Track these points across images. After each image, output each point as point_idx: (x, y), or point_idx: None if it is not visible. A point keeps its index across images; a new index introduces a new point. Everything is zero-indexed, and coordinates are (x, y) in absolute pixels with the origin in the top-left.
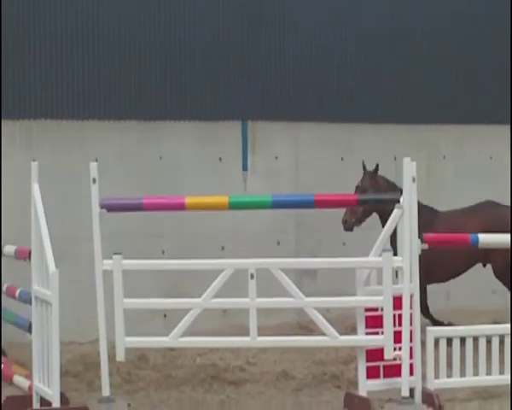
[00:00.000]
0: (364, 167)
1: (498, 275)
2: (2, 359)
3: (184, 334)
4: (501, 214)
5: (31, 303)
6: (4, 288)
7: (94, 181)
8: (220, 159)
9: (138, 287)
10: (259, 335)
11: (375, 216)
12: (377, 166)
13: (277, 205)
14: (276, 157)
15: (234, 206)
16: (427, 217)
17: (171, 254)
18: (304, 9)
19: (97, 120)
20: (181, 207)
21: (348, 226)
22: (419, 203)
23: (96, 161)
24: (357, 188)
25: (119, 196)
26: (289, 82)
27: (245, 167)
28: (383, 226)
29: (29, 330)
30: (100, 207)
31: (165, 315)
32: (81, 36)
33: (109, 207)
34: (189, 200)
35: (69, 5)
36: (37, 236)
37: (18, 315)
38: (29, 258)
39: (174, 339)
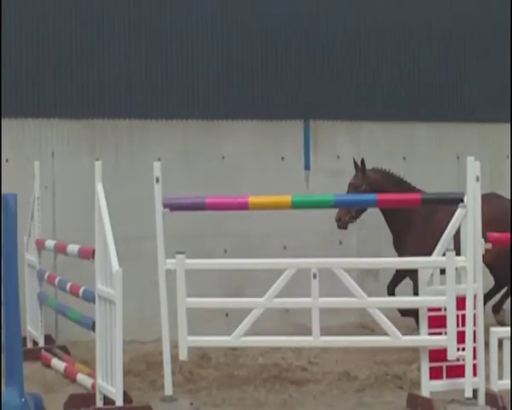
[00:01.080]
0: (356, 164)
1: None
2: (66, 357)
3: (246, 333)
4: (504, 206)
5: (94, 302)
6: (68, 287)
7: (157, 180)
8: (282, 158)
9: (200, 286)
10: (321, 335)
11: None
12: (362, 160)
13: (340, 204)
14: (338, 156)
15: (297, 205)
16: (429, 209)
17: (233, 253)
18: (369, 11)
19: (160, 120)
20: (244, 206)
21: (342, 224)
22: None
23: (159, 160)
24: (349, 185)
25: (183, 196)
26: (351, 81)
27: (307, 166)
28: (388, 224)
29: (93, 328)
30: (163, 207)
31: (226, 314)
32: (138, 35)
33: (172, 207)
34: (252, 199)
35: (130, 6)
36: (101, 235)
37: (82, 314)
38: (93, 257)
39: (236, 338)
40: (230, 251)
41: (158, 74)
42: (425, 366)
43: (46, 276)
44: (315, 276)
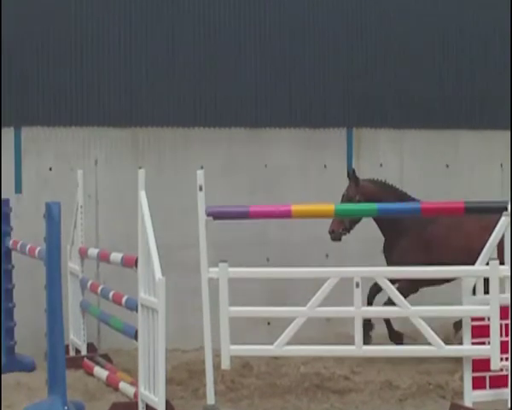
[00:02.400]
0: (349, 175)
1: None
2: (108, 365)
3: (289, 342)
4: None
5: (137, 311)
6: (111, 295)
7: (200, 189)
8: (325, 166)
9: (243, 294)
10: (364, 344)
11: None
12: (353, 170)
13: (384, 213)
14: (381, 164)
15: (340, 214)
16: (427, 221)
17: (275, 261)
18: (415, 19)
19: (203, 128)
20: (287, 215)
21: (335, 236)
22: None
23: (202, 168)
24: (342, 197)
25: (226, 205)
26: (395, 89)
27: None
28: (383, 234)
29: (135, 337)
30: (206, 215)
31: (268, 323)
32: (183, 43)
33: (216, 215)
34: (295, 208)
35: (187, 14)
36: (144, 243)
37: (124, 323)
38: (136, 266)
39: (279, 347)
40: (273, 259)
41: (201, 82)
42: (468, 375)
43: (89, 284)
44: (357, 285)
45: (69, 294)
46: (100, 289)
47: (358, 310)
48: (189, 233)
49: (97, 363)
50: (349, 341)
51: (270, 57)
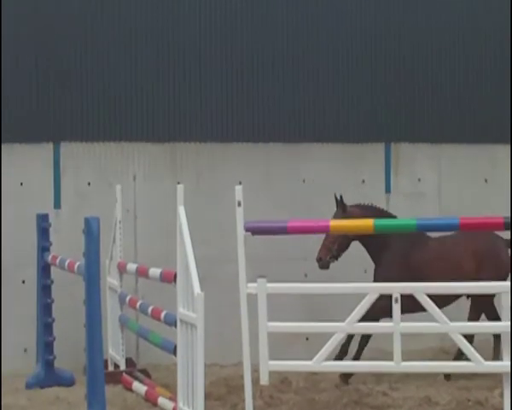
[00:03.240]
0: (336, 201)
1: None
2: (147, 381)
3: (328, 358)
4: (491, 238)
5: (176, 326)
6: (150, 310)
7: (239, 204)
8: (363, 181)
9: (281, 310)
10: (403, 359)
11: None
12: (341, 197)
13: (422, 228)
14: (419, 179)
15: (379, 229)
16: (417, 237)
17: (313, 277)
18: (449, 35)
19: (241, 143)
20: (326, 230)
21: (323, 264)
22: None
23: (240, 183)
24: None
25: (264, 220)
26: (432, 103)
27: (388, 189)
28: (370, 254)
29: (174, 352)
30: (245, 231)
31: (307, 338)
32: (219, 60)
33: (254, 231)
34: (333, 223)
35: (220, 32)
36: (183, 258)
37: (163, 338)
38: (174, 281)
39: (318, 363)
40: (311, 275)
41: (239, 98)
42: (507, 392)
43: (128, 299)
44: (397, 300)
45: (108, 309)
46: (139, 304)
47: (397, 326)
48: (227, 248)
49: (136, 378)
50: (387, 356)
51: (306, 73)
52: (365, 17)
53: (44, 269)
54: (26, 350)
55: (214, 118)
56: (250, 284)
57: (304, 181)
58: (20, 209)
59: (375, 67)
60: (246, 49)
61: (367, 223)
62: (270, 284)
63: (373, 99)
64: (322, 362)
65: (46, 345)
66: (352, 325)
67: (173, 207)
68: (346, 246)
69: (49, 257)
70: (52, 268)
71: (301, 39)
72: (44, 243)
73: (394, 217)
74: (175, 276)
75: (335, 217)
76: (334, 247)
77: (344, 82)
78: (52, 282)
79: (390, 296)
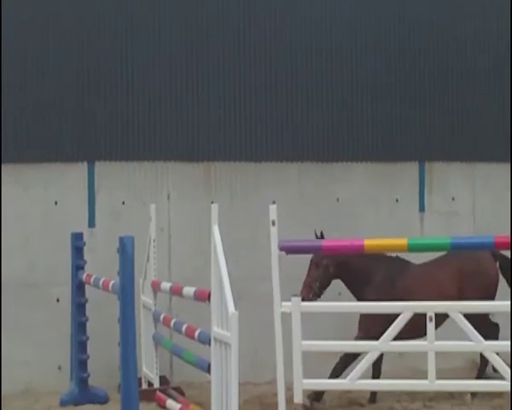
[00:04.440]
0: (316, 236)
1: None
2: (181, 399)
3: (362, 376)
4: (476, 257)
5: (210, 344)
6: (184, 329)
7: (273, 223)
8: (397, 200)
9: (315, 328)
10: (437, 378)
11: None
12: (321, 233)
13: (457, 247)
14: (453, 198)
15: (413, 248)
16: (398, 268)
17: (347, 295)
18: (484, 50)
19: (275, 162)
20: (360, 249)
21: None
22: (388, 256)
23: (274, 203)
24: (311, 261)
25: (299, 239)
26: (466, 122)
27: (422, 208)
28: (351, 291)
29: (208, 370)
30: (279, 250)
31: (341, 357)
32: (256, 79)
33: (288, 250)
34: (367, 242)
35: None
36: (217, 277)
37: (197, 356)
38: (209, 300)
39: (352, 381)
40: (345, 293)
41: (271, 117)
42: None
43: (162, 318)
44: (431, 319)
45: (142, 327)
46: (173, 322)
47: (431, 345)
48: (261, 267)
49: (170, 396)
50: (422, 375)
51: (340, 93)
52: (398, 36)
53: (79, 288)
54: (60, 368)
55: (248, 137)
56: (284, 303)
57: (338, 200)
58: (54, 228)
59: (409, 86)
60: (280, 70)
61: (401, 242)
62: (304, 303)
63: (407, 118)
64: (356, 380)
65: (80, 363)
66: (386, 343)
67: (207, 226)
68: (328, 284)
69: (84, 276)
70: (86, 287)
71: (334, 60)
72: (79, 261)
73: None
74: (209, 295)
75: (316, 254)
76: (315, 285)
77: (377, 101)
78: (86, 300)
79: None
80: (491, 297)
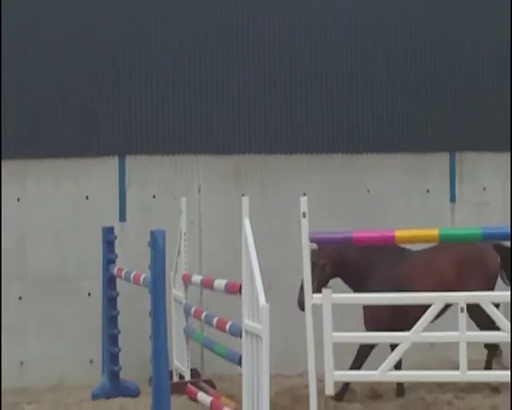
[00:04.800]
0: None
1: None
2: (212, 391)
3: (393, 368)
4: (478, 247)
5: (241, 337)
6: (215, 321)
7: (304, 215)
8: (428, 190)
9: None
10: (468, 369)
11: None
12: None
13: (488, 237)
14: (484, 188)
15: (444, 239)
16: (396, 257)
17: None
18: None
19: (305, 154)
20: (391, 240)
21: (304, 307)
22: (384, 246)
23: (305, 194)
24: None
25: (329, 231)
26: (497, 112)
27: (453, 199)
28: (351, 288)
29: (239, 363)
30: (310, 241)
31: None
32: (285, 70)
33: (319, 242)
34: (398, 233)
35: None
36: (248, 270)
37: (228, 348)
38: (240, 292)
39: (383, 373)
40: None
41: (303, 109)
42: None
43: (193, 311)
44: (462, 310)
45: (173, 320)
46: (204, 315)
47: (463, 335)
48: (292, 259)
49: (201, 389)
50: (453, 366)
51: (370, 83)
52: (426, 29)
53: (110, 281)
54: (91, 361)
55: (279, 129)
56: (315, 295)
57: (368, 191)
58: (85, 222)
59: (439, 77)
60: (307, 62)
61: (432, 233)
62: (334, 295)
63: (437, 108)
64: (387, 372)
65: (112, 356)
66: (418, 334)
67: (238, 218)
68: (325, 283)
69: (115, 269)
70: (117, 280)
71: (361, 51)
72: (110, 255)
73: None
74: (240, 287)
75: (312, 256)
76: (313, 286)
77: (407, 91)
78: (117, 294)
79: None
80: (491, 289)
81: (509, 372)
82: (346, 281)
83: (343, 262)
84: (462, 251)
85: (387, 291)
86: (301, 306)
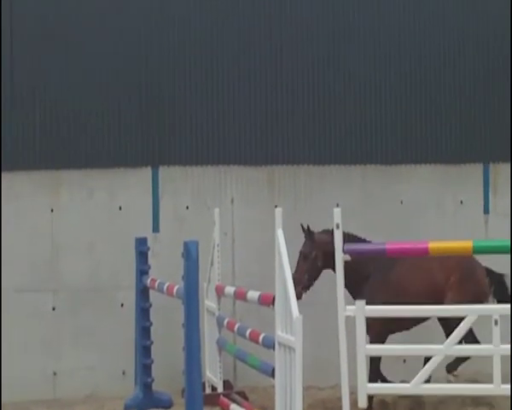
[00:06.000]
0: (303, 230)
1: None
2: (245, 403)
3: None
4: (472, 264)
5: (274, 348)
6: (248, 333)
7: (337, 226)
8: (461, 202)
9: None
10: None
11: None
12: (308, 227)
13: None
14: None
15: (478, 251)
16: (388, 262)
17: None
18: None
19: (338, 165)
20: (424, 252)
21: (296, 296)
22: None
23: (338, 205)
24: (300, 253)
25: (362, 242)
26: None
27: (486, 210)
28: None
29: (272, 375)
30: (343, 253)
31: (404, 360)
32: (319, 81)
33: (353, 253)
34: (432, 245)
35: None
36: (281, 281)
37: (261, 360)
38: (273, 304)
39: (416, 386)
40: None
41: (336, 120)
42: None
43: (225, 322)
44: (496, 322)
45: (205, 331)
46: (236, 327)
47: (497, 348)
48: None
49: (233, 400)
50: (486, 379)
51: (404, 95)
52: (460, 43)
53: (143, 292)
54: (124, 373)
55: (311, 140)
56: (348, 307)
57: (401, 202)
58: (119, 233)
59: (473, 88)
60: (341, 76)
61: (466, 245)
62: (368, 307)
63: (471, 119)
64: (420, 385)
65: (144, 368)
66: (451, 347)
67: (271, 229)
68: (317, 275)
69: (148, 280)
70: (150, 291)
71: (393, 64)
72: (143, 266)
73: (363, 240)
74: (273, 299)
75: (304, 246)
76: (304, 277)
77: (441, 103)
78: (150, 305)
79: None
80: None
81: None
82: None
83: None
84: (457, 261)
85: (381, 290)
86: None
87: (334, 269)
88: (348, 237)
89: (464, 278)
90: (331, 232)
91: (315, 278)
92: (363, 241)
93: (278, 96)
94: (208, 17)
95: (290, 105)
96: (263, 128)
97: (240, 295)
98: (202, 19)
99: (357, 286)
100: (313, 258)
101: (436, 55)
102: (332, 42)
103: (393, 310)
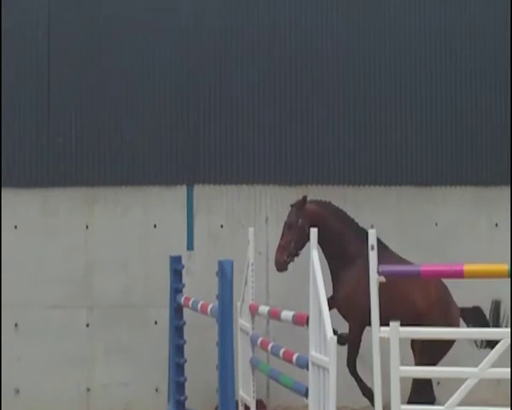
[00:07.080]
0: (297, 201)
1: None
2: None
3: (460, 403)
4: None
5: (307, 368)
6: (281, 353)
7: (372, 248)
8: (496, 224)
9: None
10: None
11: None
12: (305, 197)
13: None
14: None
15: None
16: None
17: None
18: None
19: (373, 186)
20: (459, 275)
21: (281, 266)
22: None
23: (372, 227)
24: (284, 224)
25: (397, 264)
26: None
27: None
28: (326, 258)
29: (306, 395)
30: (378, 274)
31: (438, 383)
32: (350, 98)
33: (387, 274)
34: (467, 267)
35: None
36: (316, 302)
37: (294, 380)
38: (307, 324)
39: (450, 408)
40: None
41: (372, 141)
42: None
43: (259, 341)
44: None
45: (239, 350)
46: (270, 346)
47: None
48: None
49: None
50: None
51: (439, 116)
52: (492, 62)
53: (177, 310)
54: (157, 390)
55: (346, 161)
56: (383, 328)
57: (436, 224)
58: (153, 251)
59: (506, 111)
60: (378, 95)
61: (501, 268)
62: (402, 328)
63: (505, 141)
64: (454, 407)
65: (178, 385)
66: (485, 370)
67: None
68: (303, 244)
69: (182, 299)
70: (184, 309)
71: (428, 86)
72: (177, 284)
73: (355, 222)
74: (307, 319)
75: (289, 215)
76: (291, 246)
77: (475, 125)
78: (184, 323)
79: None
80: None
81: None
82: (322, 248)
83: (322, 225)
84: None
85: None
86: (278, 265)
87: (320, 243)
88: (391, 257)
89: (441, 304)
90: (320, 203)
91: (301, 247)
92: (406, 262)
93: (314, 116)
94: (241, 46)
95: (325, 126)
96: (298, 148)
97: (274, 315)
98: (239, 36)
99: (336, 264)
100: (299, 226)
101: (471, 77)
102: (368, 64)
103: (432, 333)
